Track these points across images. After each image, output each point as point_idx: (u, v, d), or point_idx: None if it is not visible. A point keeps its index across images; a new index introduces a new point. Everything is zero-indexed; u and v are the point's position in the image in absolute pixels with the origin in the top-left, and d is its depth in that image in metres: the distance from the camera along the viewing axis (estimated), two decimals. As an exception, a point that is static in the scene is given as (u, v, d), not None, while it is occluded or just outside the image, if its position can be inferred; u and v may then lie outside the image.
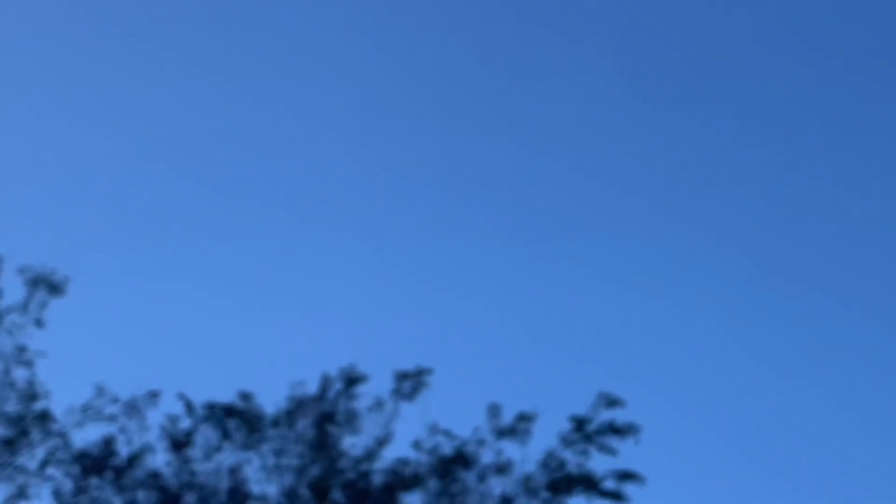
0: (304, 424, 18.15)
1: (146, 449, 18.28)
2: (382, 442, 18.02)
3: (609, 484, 17.66)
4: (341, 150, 31.60)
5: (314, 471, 17.93)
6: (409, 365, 18.43)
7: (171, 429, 18.36)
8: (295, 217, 31.47)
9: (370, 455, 18.00)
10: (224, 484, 18.04)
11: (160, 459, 18.25)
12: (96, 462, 18.16)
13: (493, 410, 18.02)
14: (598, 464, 17.76)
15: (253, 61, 33.10)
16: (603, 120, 33.38)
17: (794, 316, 32.12)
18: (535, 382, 24.99)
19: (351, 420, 18.16)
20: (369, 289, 29.37)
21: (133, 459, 18.20)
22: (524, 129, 32.77)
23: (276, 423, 18.24)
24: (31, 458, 18.18)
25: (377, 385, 18.37)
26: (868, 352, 30.93)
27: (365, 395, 18.33)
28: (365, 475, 17.89)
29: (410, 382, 18.24)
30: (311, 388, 18.44)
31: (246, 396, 18.42)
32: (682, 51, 33.48)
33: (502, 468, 17.83)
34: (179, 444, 18.24)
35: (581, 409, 17.92)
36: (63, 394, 18.66)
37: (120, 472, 18.13)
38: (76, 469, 18.18)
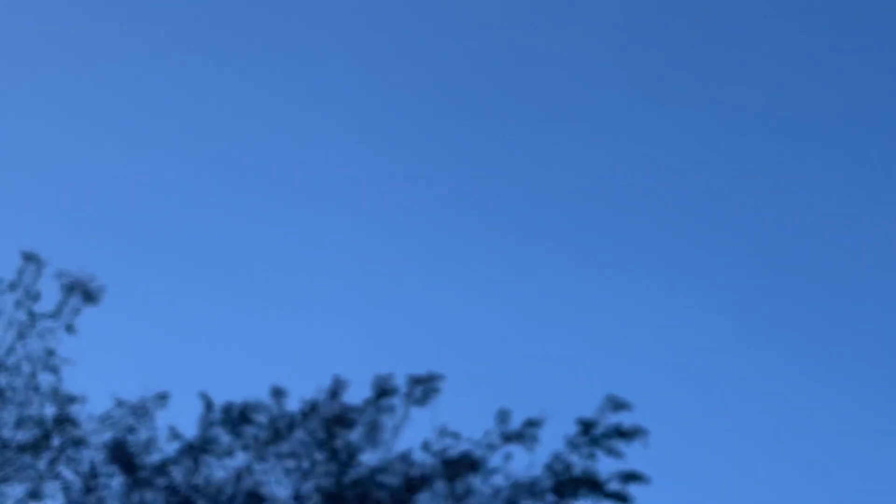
0: (322, 428, 18.11)
1: (156, 450, 18.30)
2: (405, 457, 17.97)
3: (614, 485, 17.47)
4: (355, 153, 31.94)
5: (328, 476, 17.91)
6: (417, 367, 18.43)
7: (183, 431, 18.37)
8: (306, 219, 32.00)
9: (386, 466, 17.93)
10: (237, 486, 18.01)
11: (171, 460, 18.24)
12: (107, 462, 18.25)
13: (503, 416, 17.96)
14: (605, 467, 17.66)
15: (276, 63, 33.32)
16: (609, 117, 33.69)
17: (808, 320, 32.21)
18: (545, 385, 25.15)
19: (374, 431, 18.11)
20: (374, 289, 29.81)
21: (144, 461, 18.22)
22: (530, 128, 33.08)
23: (292, 425, 18.23)
24: (50, 462, 18.30)
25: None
26: (882, 352, 31.17)
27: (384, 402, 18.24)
28: (379, 485, 17.81)
29: (422, 387, 18.20)
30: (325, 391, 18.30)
31: (278, 393, 18.36)
32: (690, 46, 33.53)
33: (509, 472, 17.75)
34: (191, 445, 18.22)
35: (590, 412, 17.86)
36: (88, 399, 18.81)
37: (131, 472, 18.17)
38: (86, 468, 18.25)
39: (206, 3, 33.79)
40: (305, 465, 18.07)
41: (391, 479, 17.95)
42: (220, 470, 18.22)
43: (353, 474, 17.98)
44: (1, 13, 30.85)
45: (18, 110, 31.70)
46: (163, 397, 18.66)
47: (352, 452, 18.11)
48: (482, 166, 33.02)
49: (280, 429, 18.28)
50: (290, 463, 18.12)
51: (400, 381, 18.42)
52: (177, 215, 31.79)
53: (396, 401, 18.32)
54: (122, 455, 18.29)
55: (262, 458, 18.20)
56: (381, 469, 18.03)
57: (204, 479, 18.10)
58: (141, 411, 18.58)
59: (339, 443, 18.11)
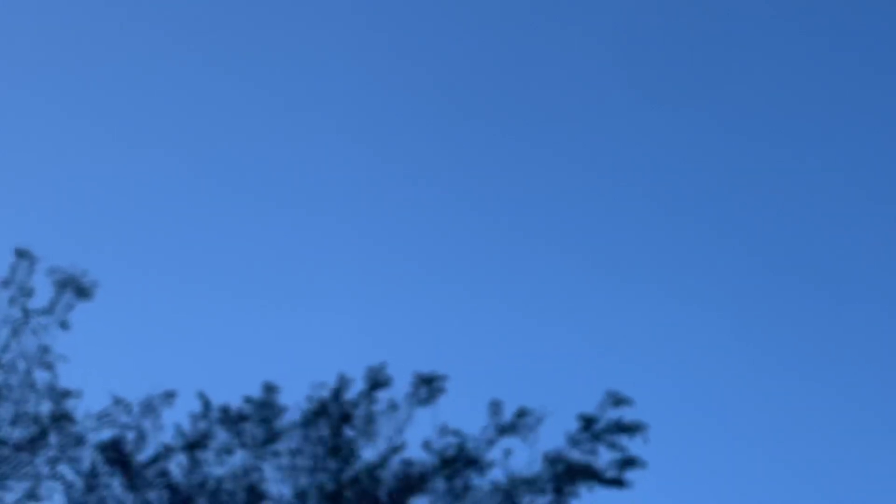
0: (321, 426, 18.11)
1: (160, 448, 18.31)
2: (397, 449, 17.99)
3: (611, 473, 17.63)
4: (355, 153, 31.91)
5: (328, 473, 17.90)
6: (417, 366, 18.44)
7: (185, 429, 18.40)
8: (306, 219, 31.89)
9: (384, 461, 17.95)
10: (238, 484, 18.03)
11: (174, 459, 18.27)
12: (108, 461, 18.25)
13: (495, 407, 18.02)
14: (604, 460, 17.77)
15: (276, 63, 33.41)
16: (609, 117, 33.53)
17: (807, 319, 32.07)
18: (546, 383, 25.02)
19: (369, 424, 18.10)
20: (374, 289, 29.72)
21: (147, 460, 18.24)
22: (530, 128, 33.01)
23: (292, 423, 18.25)
24: (47, 460, 18.26)
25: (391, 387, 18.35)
26: (880, 351, 31.09)
27: (381, 397, 18.26)
28: (378, 482, 17.81)
29: (427, 388, 18.19)
30: (329, 389, 18.38)
31: (270, 388, 18.42)
32: (690, 46, 33.53)
33: (507, 467, 17.81)
34: (194, 444, 18.26)
35: (591, 410, 17.95)
36: (83, 395, 18.76)
37: (132, 471, 18.17)
38: (87, 467, 18.22)
39: (206, 3, 33.84)
40: (306, 462, 18.09)
41: (390, 477, 17.93)
42: (219, 468, 18.23)
43: (351, 472, 17.96)
44: (1, 13, 30.88)
45: (17, 110, 31.73)
46: (170, 395, 18.67)
47: (352, 450, 18.10)
48: (482, 166, 33.04)
49: (279, 427, 18.29)
50: (290, 461, 18.14)
51: (396, 376, 18.46)
52: (176, 214, 31.84)
53: (400, 400, 18.36)
54: (116, 454, 18.27)
55: (260, 456, 18.20)
56: (379, 467, 18.01)
57: (203, 476, 18.10)
58: (148, 410, 18.57)
59: (339, 440, 18.11)
